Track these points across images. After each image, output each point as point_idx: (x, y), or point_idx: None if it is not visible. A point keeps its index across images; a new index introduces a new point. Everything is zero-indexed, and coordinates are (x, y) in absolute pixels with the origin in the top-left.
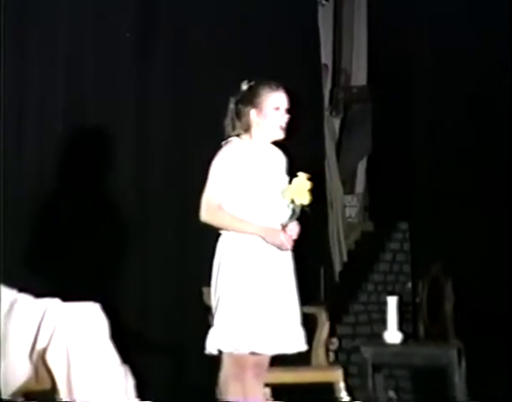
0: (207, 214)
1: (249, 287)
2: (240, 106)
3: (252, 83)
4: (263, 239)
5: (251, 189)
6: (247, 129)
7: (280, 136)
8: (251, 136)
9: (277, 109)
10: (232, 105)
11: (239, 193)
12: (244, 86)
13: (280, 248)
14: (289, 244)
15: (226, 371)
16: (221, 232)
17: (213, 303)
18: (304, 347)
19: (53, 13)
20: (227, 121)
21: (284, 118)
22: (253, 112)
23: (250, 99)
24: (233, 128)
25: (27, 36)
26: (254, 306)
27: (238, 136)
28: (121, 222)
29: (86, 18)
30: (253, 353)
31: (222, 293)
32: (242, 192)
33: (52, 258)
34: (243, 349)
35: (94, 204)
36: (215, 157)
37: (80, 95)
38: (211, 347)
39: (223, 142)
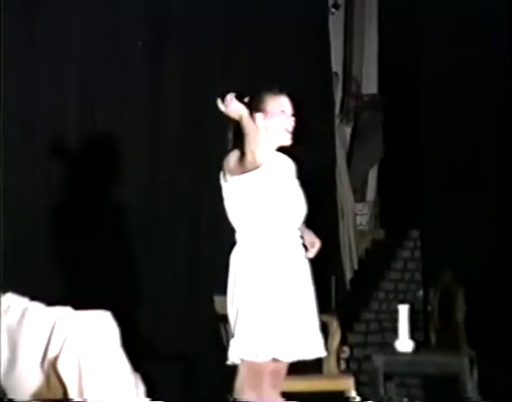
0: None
1: (268, 295)
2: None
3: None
4: None
5: (264, 197)
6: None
7: (287, 141)
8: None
9: (283, 112)
10: None
11: (253, 201)
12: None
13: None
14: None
15: (242, 379)
16: (236, 241)
17: (231, 313)
18: (323, 354)
19: (66, 21)
20: (230, 136)
21: (291, 122)
22: (259, 116)
23: (255, 105)
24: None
25: (38, 43)
26: (274, 314)
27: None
28: (132, 230)
29: (98, 27)
30: (274, 360)
31: (241, 303)
32: (255, 200)
33: (63, 266)
34: (264, 356)
35: (106, 213)
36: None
37: (92, 102)
38: (233, 356)
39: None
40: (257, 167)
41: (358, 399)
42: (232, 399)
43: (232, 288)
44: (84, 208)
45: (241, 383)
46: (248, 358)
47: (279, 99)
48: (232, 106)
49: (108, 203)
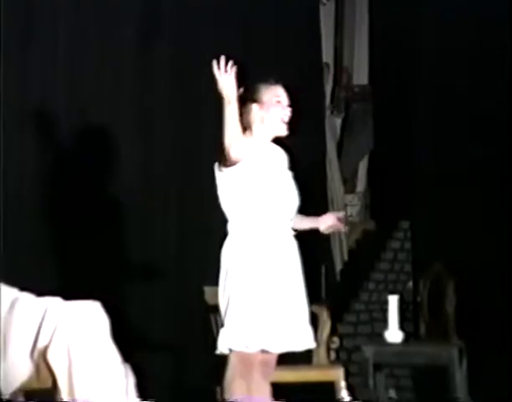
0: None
1: (259, 286)
2: (240, 105)
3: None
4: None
5: (257, 188)
6: (247, 127)
7: (283, 131)
8: (252, 134)
9: (278, 102)
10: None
11: (246, 192)
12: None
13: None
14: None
15: (232, 369)
16: (228, 233)
17: (222, 304)
18: (312, 345)
19: (56, 14)
20: None
21: (287, 112)
22: (255, 106)
23: (250, 95)
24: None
25: (29, 35)
26: (264, 305)
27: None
28: (122, 220)
29: (88, 17)
30: (263, 351)
31: (232, 293)
32: (248, 191)
33: (53, 257)
34: (254, 347)
35: (96, 203)
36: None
37: (82, 93)
38: (222, 346)
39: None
40: (234, 164)
41: (348, 399)
42: (219, 389)
43: (224, 278)
44: (75, 198)
45: (231, 373)
46: (237, 348)
47: (274, 89)
48: (227, 78)
49: (100, 195)
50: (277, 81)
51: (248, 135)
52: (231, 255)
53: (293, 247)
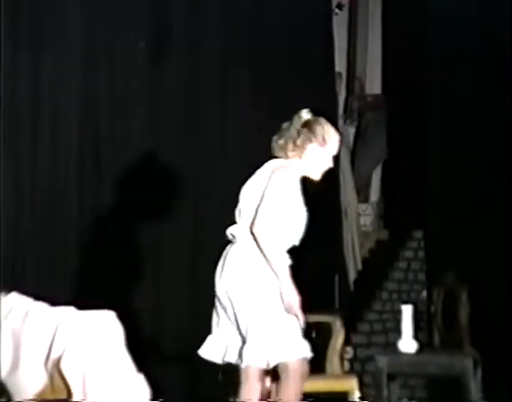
0: (263, 235)
1: (271, 302)
2: (302, 134)
3: (311, 116)
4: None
5: (288, 213)
6: (298, 156)
7: (317, 177)
8: (299, 163)
9: (330, 151)
10: (293, 130)
11: (280, 213)
12: (306, 115)
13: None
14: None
15: (247, 384)
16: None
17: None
18: (309, 354)
19: (67, 22)
20: (281, 142)
21: (330, 163)
22: (314, 146)
23: (315, 132)
24: (285, 149)
25: (41, 45)
26: (279, 319)
27: (287, 157)
28: (135, 232)
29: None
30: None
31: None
32: (281, 213)
33: (68, 267)
34: (274, 362)
35: (108, 216)
36: (282, 178)
37: (95, 107)
38: (245, 362)
39: (279, 163)
40: None
41: None
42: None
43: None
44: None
45: (246, 388)
46: (260, 364)
47: (336, 139)
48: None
49: (111, 202)
50: (338, 130)
51: (296, 161)
52: (236, 263)
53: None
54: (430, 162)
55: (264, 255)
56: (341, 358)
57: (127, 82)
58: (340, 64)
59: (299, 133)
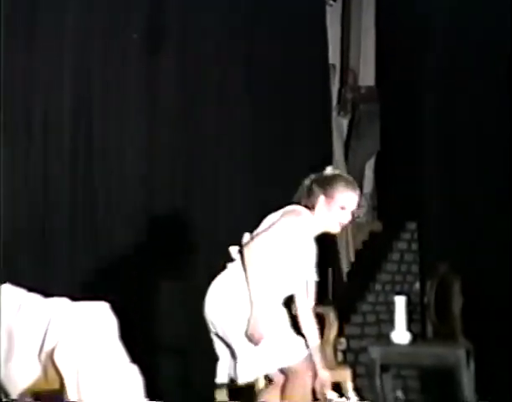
0: (251, 258)
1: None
2: (313, 187)
3: (335, 172)
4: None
5: (286, 259)
6: (312, 207)
7: (336, 230)
8: (313, 214)
9: (343, 208)
10: (307, 182)
11: (281, 256)
12: (329, 171)
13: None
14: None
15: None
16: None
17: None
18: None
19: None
20: (300, 191)
21: (348, 217)
22: (322, 199)
23: (324, 186)
24: (300, 198)
25: (35, 37)
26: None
27: (305, 206)
28: (132, 226)
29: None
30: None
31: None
32: (278, 253)
33: (62, 257)
34: (272, 370)
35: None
36: (289, 221)
37: (88, 96)
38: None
39: (293, 208)
40: None
41: (355, 399)
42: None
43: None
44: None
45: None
46: (254, 377)
47: (347, 194)
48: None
49: (108, 198)
50: (354, 186)
51: (311, 212)
52: (222, 285)
53: None
54: (423, 153)
55: (246, 278)
56: (335, 349)
57: (123, 84)
58: (333, 56)
59: (312, 185)
